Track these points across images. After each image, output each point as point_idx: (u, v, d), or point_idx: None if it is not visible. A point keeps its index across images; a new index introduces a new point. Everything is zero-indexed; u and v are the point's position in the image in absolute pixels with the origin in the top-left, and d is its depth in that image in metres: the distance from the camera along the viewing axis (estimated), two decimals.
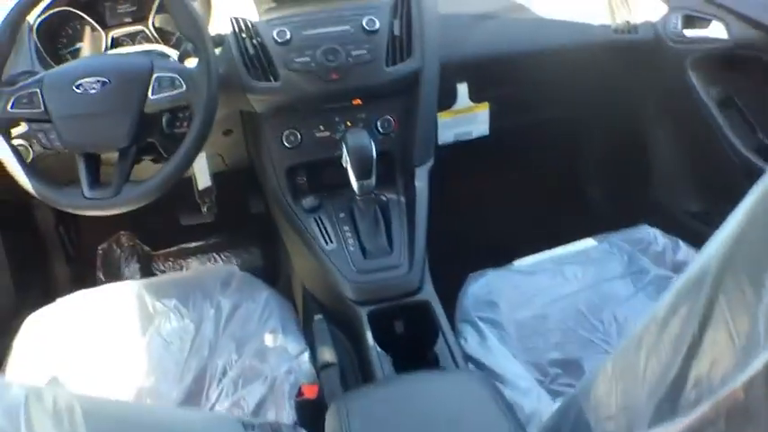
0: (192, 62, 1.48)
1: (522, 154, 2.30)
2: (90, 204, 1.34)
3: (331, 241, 1.57)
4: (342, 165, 1.51)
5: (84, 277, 2.48)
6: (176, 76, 1.33)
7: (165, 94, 1.32)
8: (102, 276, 2.54)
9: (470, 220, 2.28)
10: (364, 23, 1.60)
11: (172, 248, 2.63)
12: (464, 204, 2.33)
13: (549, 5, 1.93)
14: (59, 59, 1.74)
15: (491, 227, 2.27)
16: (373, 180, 1.48)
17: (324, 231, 1.59)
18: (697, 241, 1.34)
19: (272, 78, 1.57)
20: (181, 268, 2.60)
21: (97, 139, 1.34)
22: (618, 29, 1.95)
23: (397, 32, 1.63)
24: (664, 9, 1.95)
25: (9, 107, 1.31)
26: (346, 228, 1.59)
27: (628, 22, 1.95)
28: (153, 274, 2.60)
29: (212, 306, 1.57)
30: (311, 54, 1.57)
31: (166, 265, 2.62)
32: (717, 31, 1.83)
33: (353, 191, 1.50)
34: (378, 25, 1.61)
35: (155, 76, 1.32)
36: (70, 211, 1.39)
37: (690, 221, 2.14)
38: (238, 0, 1.64)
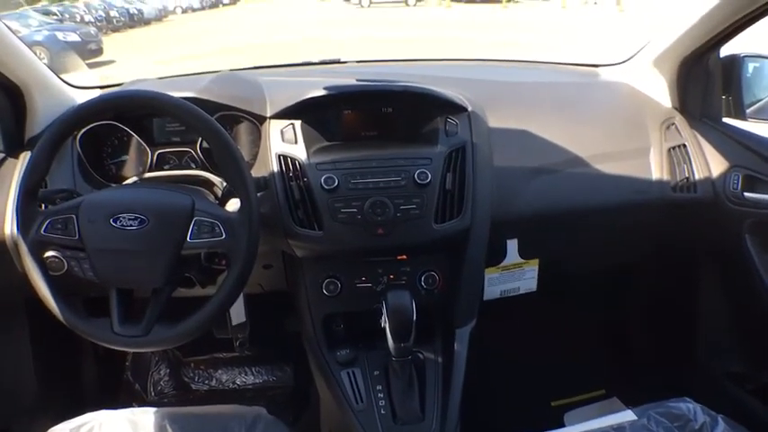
0: (233, 204, 1.46)
1: (567, 305, 2.23)
2: (118, 340, 1.31)
3: (362, 400, 1.51)
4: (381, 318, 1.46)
5: (112, 376, 2.45)
6: (216, 222, 1.30)
7: (204, 240, 1.29)
8: (130, 377, 2.51)
9: (507, 375, 2.19)
10: (416, 176, 1.55)
11: (204, 357, 2.59)
12: (505, 357, 2.24)
13: (606, 160, 1.88)
14: (102, 170, 1.75)
15: (528, 381, 2.18)
16: (411, 342, 1.42)
17: (356, 389, 1.53)
18: (736, 410, 1.34)
19: (315, 227, 1.54)
20: (210, 378, 2.56)
21: (131, 277, 1.32)
22: (677, 186, 1.89)
23: (449, 187, 1.58)
24: (724, 165, 1.89)
25: (43, 230, 1.29)
26: (379, 387, 1.53)
27: (687, 179, 1.89)
28: (182, 381, 2.56)
29: None
30: (358, 206, 1.53)
31: (196, 373, 2.58)
32: None
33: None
34: (429, 178, 1.56)
35: (194, 219, 1.30)
36: (97, 342, 1.35)
37: (731, 387, 2.04)
38: (288, 135, 1.63)
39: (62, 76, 1.95)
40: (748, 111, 1.92)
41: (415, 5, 25.26)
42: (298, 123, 1.63)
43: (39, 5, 22.76)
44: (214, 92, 1.70)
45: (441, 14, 22.49)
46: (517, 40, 11.51)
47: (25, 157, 1.71)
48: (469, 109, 1.71)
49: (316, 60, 2.40)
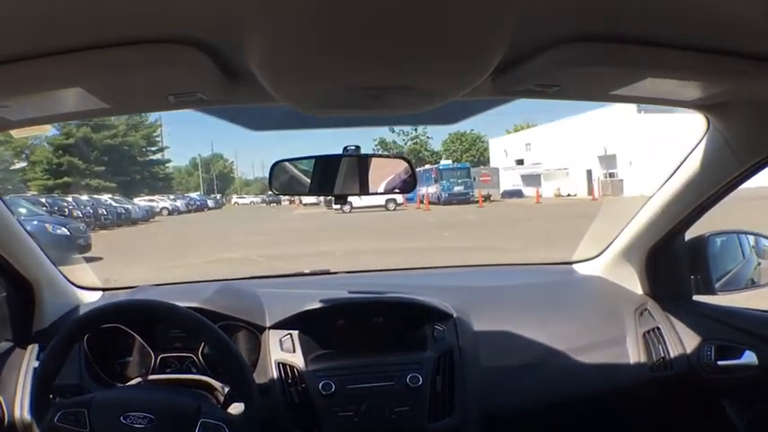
0: (236, 408, 1.52)
1: None
2: None
3: None
4: None
5: None
6: (222, 425, 1.36)
7: None
8: None
9: None
10: (408, 380, 1.67)
11: None
12: None
13: (586, 351, 1.98)
14: (108, 370, 1.82)
15: None
16: None
17: None
18: None
19: (314, 429, 1.61)
20: None
21: None
22: (654, 366, 1.98)
23: (439, 389, 1.70)
24: (697, 340, 2.00)
25: (56, 419, 1.35)
26: None
27: (663, 358, 1.99)
28: None
29: None
30: (355, 409, 1.62)
31: None
32: (748, 357, 1.88)
33: None
34: (421, 382, 1.68)
35: (201, 421, 1.36)
36: None
37: None
38: (287, 345, 1.74)
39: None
40: (718, 284, 2.04)
41: (395, 210, 26.51)
42: (295, 333, 1.75)
43: (29, 194, 23.60)
44: (217, 303, 1.82)
45: (420, 217, 23.56)
46: (497, 245, 12.13)
47: (33, 349, 1.79)
48: (455, 315, 1.86)
49: (307, 271, 2.56)
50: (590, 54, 1.14)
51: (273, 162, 1.68)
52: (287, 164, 1.71)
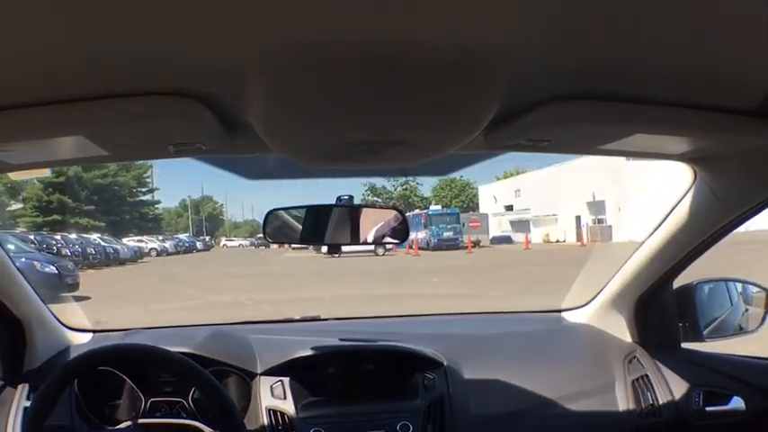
0: None
1: None
2: None
3: None
4: None
5: None
6: None
7: None
8: None
9: None
10: (398, 428, 1.68)
11: None
12: None
13: (575, 399, 1.99)
14: (98, 412, 1.80)
15: None
16: None
17: None
18: None
19: None
20: None
21: None
22: (642, 413, 1.99)
23: None
24: (686, 387, 2.01)
25: None
26: None
27: (652, 405, 2.00)
28: None
29: None
30: None
31: None
32: (736, 402, 1.91)
33: None
34: (411, 430, 1.69)
35: None
36: None
37: None
38: (277, 391, 1.74)
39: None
40: (706, 331, 2.07)
41: (383, 255, 26.54)
42: (286, 380, 1.75)
43: (17, 231, 23.36)
44: (208, 348, 1.82)
45: (409, 263, 23.55)
46: (486, 292, 12.15)
47: (23, 388, 1.77)
48: (445, 364, 1.86)
49: (297, 317, 2.57)
50: (580, 112, 1.19)
51: (268, 211, 1.72)
52: (281, 212, 1.74)
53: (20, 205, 35.51)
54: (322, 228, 1.71)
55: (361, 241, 1.72)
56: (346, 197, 1.67)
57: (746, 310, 2.14)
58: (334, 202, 1.69)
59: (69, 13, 0.80)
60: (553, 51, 0.99)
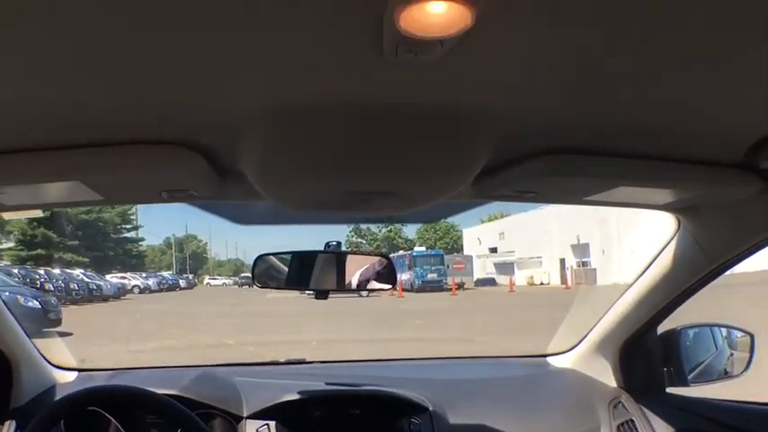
0: None
1: None
2: None
3: None
4: None
5: None
6: None
7: None
8: None
9: None
10: None
11: None
12: None
13: None
14: None
15: None
16: None
17: None
18: None
19: None
20: None
21: None
22: None
23: None
24: (670, 431, 2.00)
25: None
26: None
27: None
28: None
29: None
30: None
31: None
32: None
33: None
34: None
35: None
36: None
37: None
38: None
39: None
40: (691, 376, 2.08)
41: (368, 296, 26.42)
42: (272, 423, 1.75)
43: (1, 264, 23.01)
44: (194, 391, 1.83)
45: (393, 305, 23.44)
46: (471, 336, 12.14)
47: (10, 425, 1.75)
48: (431, 408, 1.87)
49: (283, 360, 2.56)
50: (566, 165, 1.24)
51: (257, 256, 1.74)
52: (269, 257, 1.76)
53: (12, 243, 35.22)
54: (308, 272, 1.73)
55: (346, 287, 1.74)
56: (334, 243, 1.70)
57: (731, 354, 2.16)
58: (319, 243, 1.72)
59: (73, 66, 0.84)
60: (539, 109, 1.04)
